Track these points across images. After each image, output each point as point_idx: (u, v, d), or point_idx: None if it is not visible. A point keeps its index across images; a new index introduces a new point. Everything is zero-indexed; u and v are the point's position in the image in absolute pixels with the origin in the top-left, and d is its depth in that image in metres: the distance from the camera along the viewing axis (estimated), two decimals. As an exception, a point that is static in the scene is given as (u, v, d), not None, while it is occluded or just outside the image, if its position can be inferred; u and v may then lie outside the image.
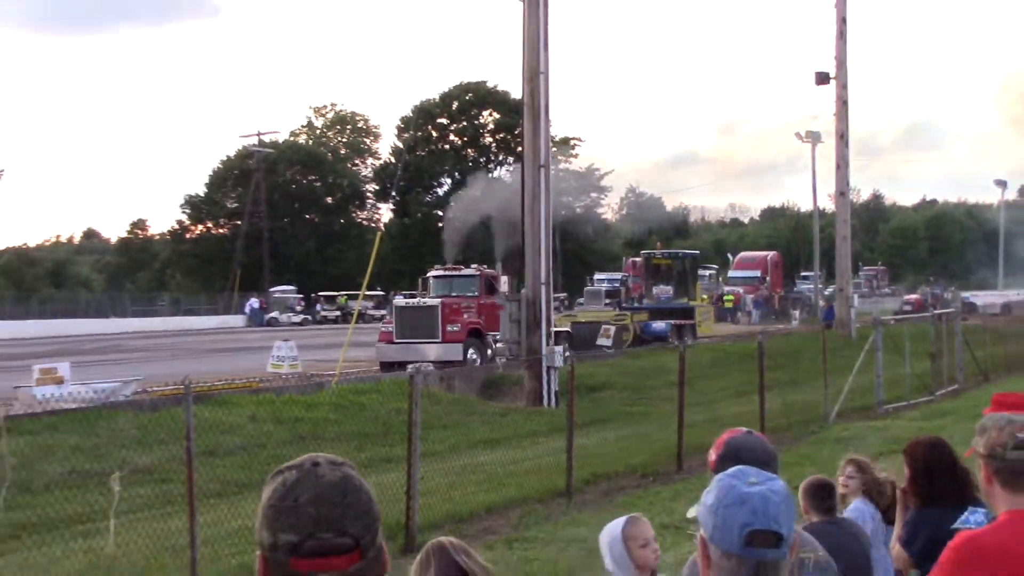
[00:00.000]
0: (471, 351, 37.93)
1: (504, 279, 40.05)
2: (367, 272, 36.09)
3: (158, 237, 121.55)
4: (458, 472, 16.55)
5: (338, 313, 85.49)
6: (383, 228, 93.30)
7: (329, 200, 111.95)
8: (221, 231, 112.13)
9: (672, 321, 48.12)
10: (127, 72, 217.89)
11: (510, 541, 13.54)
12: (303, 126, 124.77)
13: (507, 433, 22.54)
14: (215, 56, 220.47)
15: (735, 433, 4.50)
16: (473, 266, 43.95)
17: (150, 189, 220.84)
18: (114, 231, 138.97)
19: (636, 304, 55.54)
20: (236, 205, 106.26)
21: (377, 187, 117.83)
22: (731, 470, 2.92)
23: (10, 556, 12.83)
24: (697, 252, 63.28)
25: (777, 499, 2.78)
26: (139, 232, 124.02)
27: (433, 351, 36.24)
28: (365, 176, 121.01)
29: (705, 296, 63.01)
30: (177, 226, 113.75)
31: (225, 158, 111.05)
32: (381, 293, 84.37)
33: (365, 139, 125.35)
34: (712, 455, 4.36)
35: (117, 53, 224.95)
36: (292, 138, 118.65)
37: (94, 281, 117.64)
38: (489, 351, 38.51)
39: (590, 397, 20.63)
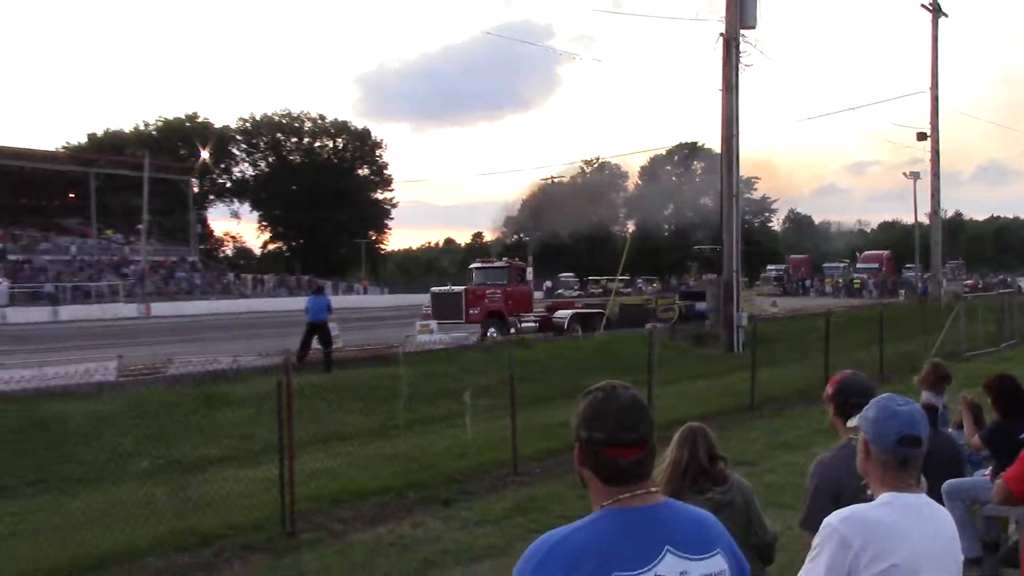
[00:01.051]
0: (492, 330, 31.13)
1: (529, 270, 35.13)
2: (620, 264, 37.24)
3: (488, 242, 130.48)
4: (679, 395, 16.78)
5: (600, 290, 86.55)
6: (628, 235, 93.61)
7: (594, 219, 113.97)
8: (526, 238, 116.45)
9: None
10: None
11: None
12: (580, 170, 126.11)
13: (710, 369, 22.70)
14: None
15: (845, 373, 4.52)
16: (504, 259, 36.87)
17: (483, 210, 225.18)
18: (463, 239, 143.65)
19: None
20: (532, 223, 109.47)
21: (626, 209, 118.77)
22: (884, 395, 3.10)
23: (408, 438, 13.62)
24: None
25: (918, 415, 2.98)
26: (478, 240, 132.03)
27: (459, 330, 30.14)
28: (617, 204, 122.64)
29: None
30: (500, 235, 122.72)
31: (528, 195, 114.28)
32: (627, 277, 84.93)
33: (618, 180, 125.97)
34: (828, 389, 4.45)
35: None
36: (570, 179, 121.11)
37: (451, 271, 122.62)
38: (512, 329, 31.60)
39: (765, 346, 20.57)
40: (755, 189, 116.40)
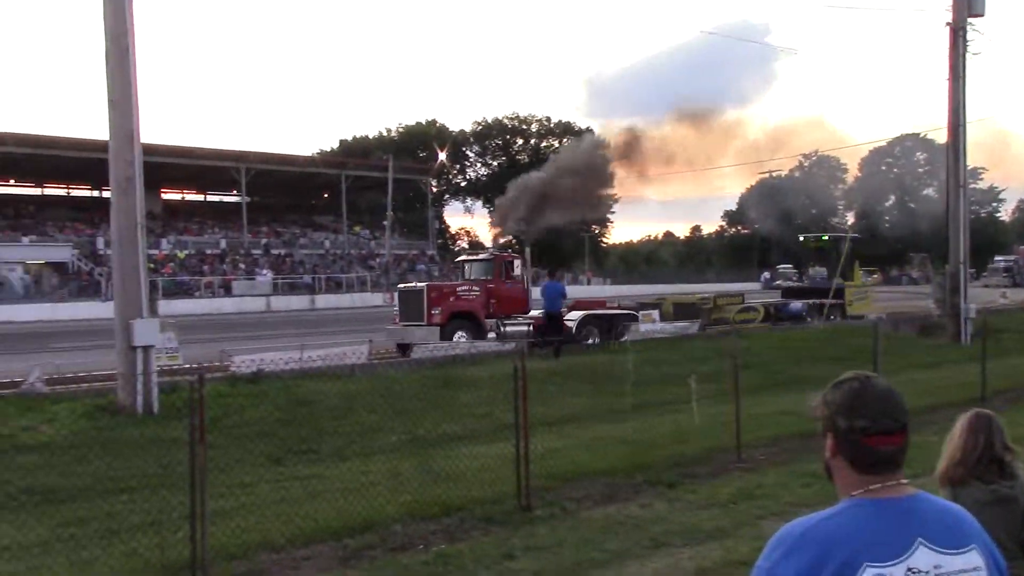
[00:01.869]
0: (460, 335, 24.52)
1: (517, 263, 26.99)
2: (841, 257, 35.58)
3: (706, 235, 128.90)
4: (905, 385, 15.90)
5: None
6: (848, 227, 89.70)
7: (814, 211, 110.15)
8: (745, 231, 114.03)
9: (817, 300, 33.09)
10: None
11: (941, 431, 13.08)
12: (798, 163, 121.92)
13: (936, 360, 21.44)
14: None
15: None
16: (491, 250, 30.75)
17: (700, 204, 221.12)
18: (682, 232, 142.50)
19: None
20: (754, 216, 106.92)
21: (845, 202, 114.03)
22: None
23: (634, 422, 13.57)
24: (855, 235, 40.63)
25: None
26: (696, 233, 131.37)
27: (419, 334, 24.47)
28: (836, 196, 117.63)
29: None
30: (720, 229, 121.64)
31: (748, 188, 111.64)
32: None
33: (837, 172, 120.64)
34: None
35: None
36: (789, 172, 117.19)
37: (670, 263, 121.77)
38: (492, 334, 25.06)
39: (994, 337, 19.17)
40: (981, 179, 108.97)
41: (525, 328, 25.18)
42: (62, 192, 74.36)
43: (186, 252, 66.86)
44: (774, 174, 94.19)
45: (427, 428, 12.92)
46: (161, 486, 9.48)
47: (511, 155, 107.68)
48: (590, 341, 25.33)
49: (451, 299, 25.28)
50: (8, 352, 25.98)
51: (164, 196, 75.74)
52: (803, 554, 2.20)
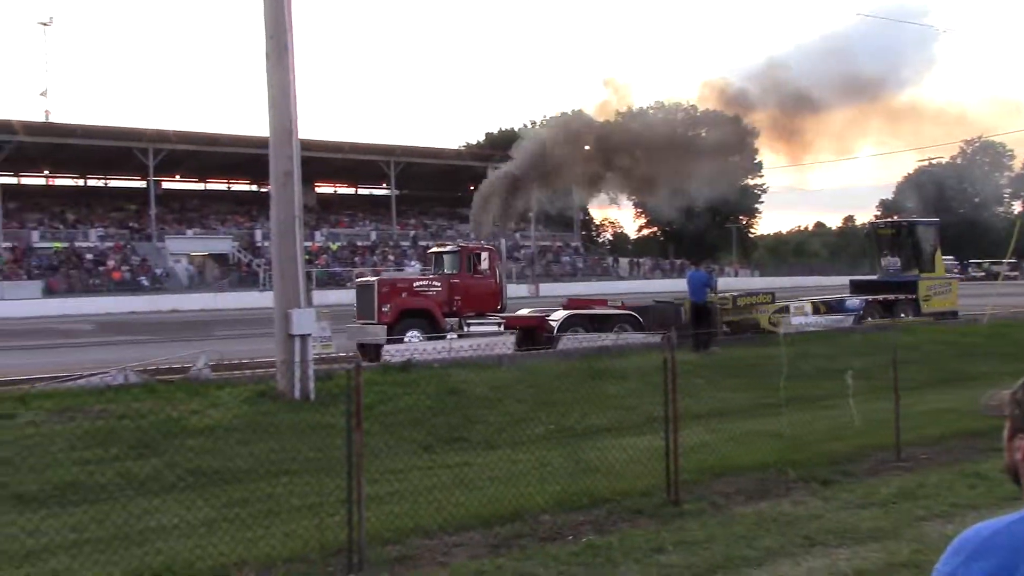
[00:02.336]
0: (412, 334, 21.82)
1: (485, 256, 23.86)
2: (1009, 246, 33.30)
3: (859, 225, 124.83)
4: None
5: (983, 274, 79.59)
6: (1017, 215, 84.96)
7: (976, 200, 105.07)
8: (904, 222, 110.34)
9: (883, 296, 28.89)
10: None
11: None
12: (960, 150, 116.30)
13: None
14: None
15: None
16: (459, 241, 28.21)
17: (854, 193, 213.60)
18: (834, 222, 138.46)
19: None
20: (911, 206, 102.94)
21: (1010, 190, 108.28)
22: None
23: (786, 417, 13.23)
24: (935, 220, 34.28)
25: None
26: (849, 223, 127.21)
27: (371, 332, 21.82)
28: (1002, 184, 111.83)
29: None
30: (875, 219, 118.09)
31: (905, 177, 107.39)
32: (1014, 260, 77.30)
33: (1002, 159, 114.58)
34: None
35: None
36: (951, 159, 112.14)
37: (821, 254, 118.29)
38: (453, 334, 22.09)
39: None
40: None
41: (494, 328, 22.47)
42: (223, 187, 77.89)
43: (338, 244, 69.05)
44: (933, 161, 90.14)
45: (574, 419, 12.95)
46: (319, 470, 9.82)
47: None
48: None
49: (403, 295, 22.53)
50: (175, 340, 27.38)
51: (318, 190, 78.36)
52: (989, 559, 2.08)
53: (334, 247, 68.30)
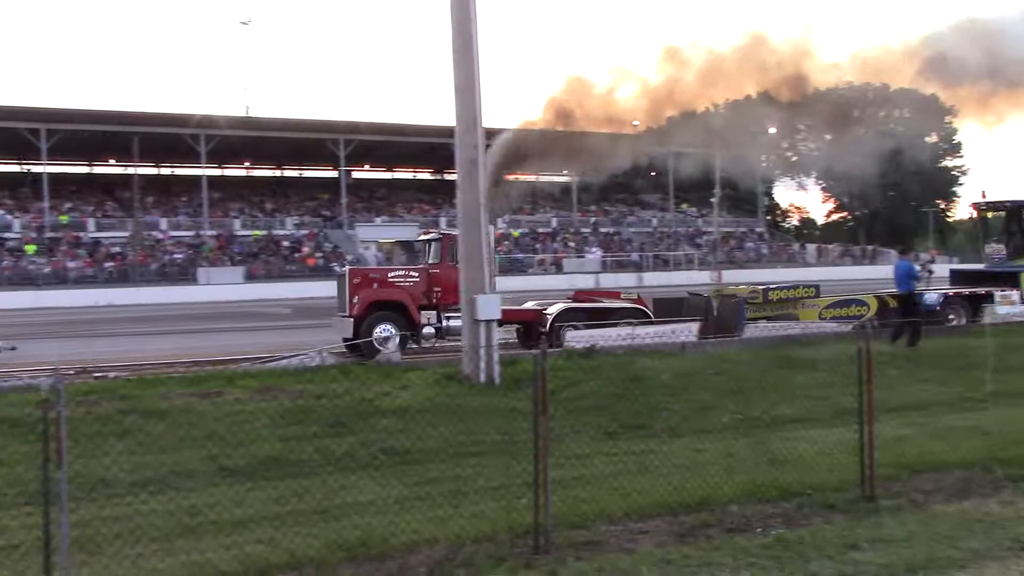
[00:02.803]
0: (384, 328, 20.19)
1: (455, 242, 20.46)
2: None
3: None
4: None
5: None
6: None
7: None
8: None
9: (978, 289, 24.54)
10: None
11: None
12: None
13: None
14: None
15: None
16: (439, 229, 25.63)
17: None
18: None
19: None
20: None
21: None
22: None
23: (993, 411, 12.50)
24: None
25: None
26: None
27: (341, 326, 20.72)
28: None
29: None
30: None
31: None
32: None
33: None
34: None
35: None
36: None
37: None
38: (430, 328, 20.68)
39: None
40: None
41: None
42: (409, 175, 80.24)
43: (520, 231, 69.88)
44: None
45: (761, 409, 12.65)
46: (504, 453, 10.00)
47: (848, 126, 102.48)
48: (569, 344, 19.58)
49: (373, 286, 21.11)
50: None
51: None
52: None
53: (516, 234, 69.20)
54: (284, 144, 65.04)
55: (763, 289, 22.78)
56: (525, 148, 22.47)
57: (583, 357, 16.41)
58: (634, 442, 11.38)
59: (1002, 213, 27.41)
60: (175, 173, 71.59)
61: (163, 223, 61.89)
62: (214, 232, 61.94)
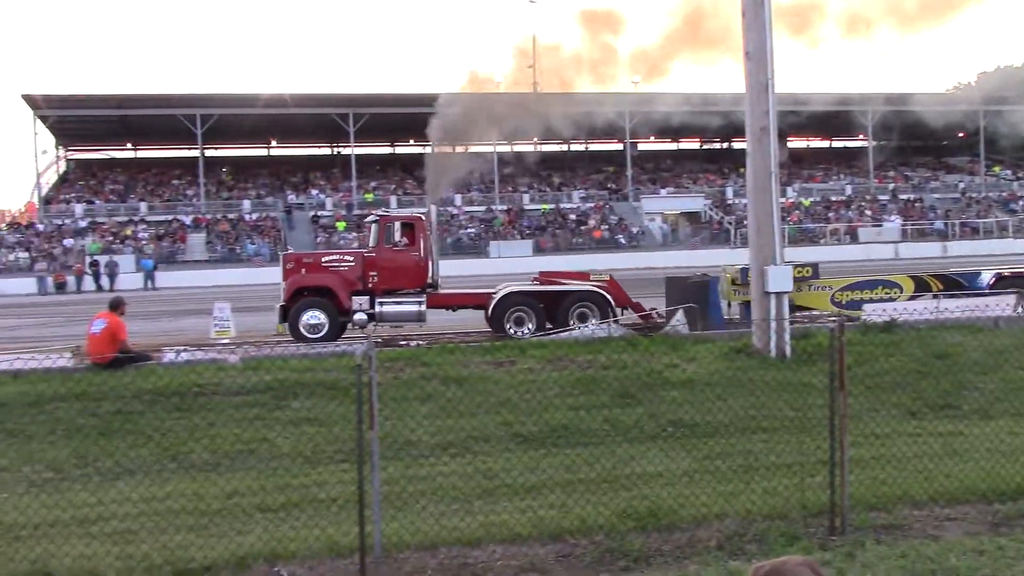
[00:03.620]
0: (311, 314, 19.40)
1: (408, 226, 20.54)
2: None
3: None
4: None
5: None
6: None
7: None
8: None
9: None
10: None
11: None
12: None
13: None
14: None
15: None
16: (381, 210, 22.83)
17: None
18: None
19: None
20: None
21: None
22: None
23: None
24: None
25: None
26: None
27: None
28: None
29: None
30: None
31: None
32: None
33: None
34: None
35: None
36: None
37: None
38: (359, 315, 19.50)
39: None
40: None
41: (413, 308, 19.82)
42: (695, 146, 79.16)
43: (811, 199, 67.15)
44: None
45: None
46: (797, 429, 9.71)
47: None
48: (513, 331, 18.96)
49: (301, 271, 20.34)
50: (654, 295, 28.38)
51: (789, 144, 76.71)
52: None
53: (807, 203, 66.56)
54: (571, 119, 66.11)
55: (740, 269, 19.17)
56: None
57: (883, 332, 15.56)
58: (939, 423, 10.68)
59: None
60: (469, 150, 74.69)
61: (457, 199, 64.87)
62: (504, 207, 64.18)
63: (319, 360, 13.76)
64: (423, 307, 19.79)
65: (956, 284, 20.04)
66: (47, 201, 61.71)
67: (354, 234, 58.35)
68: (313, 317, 19.50)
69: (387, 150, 74.95)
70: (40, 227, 58.17)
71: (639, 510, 7.70)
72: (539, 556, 6.95)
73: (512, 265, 50.46)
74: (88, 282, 48.53)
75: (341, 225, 59.42)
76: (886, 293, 19.71)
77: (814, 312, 19.63)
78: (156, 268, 49.82)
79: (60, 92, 59.57)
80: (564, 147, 77.89)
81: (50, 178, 65.68)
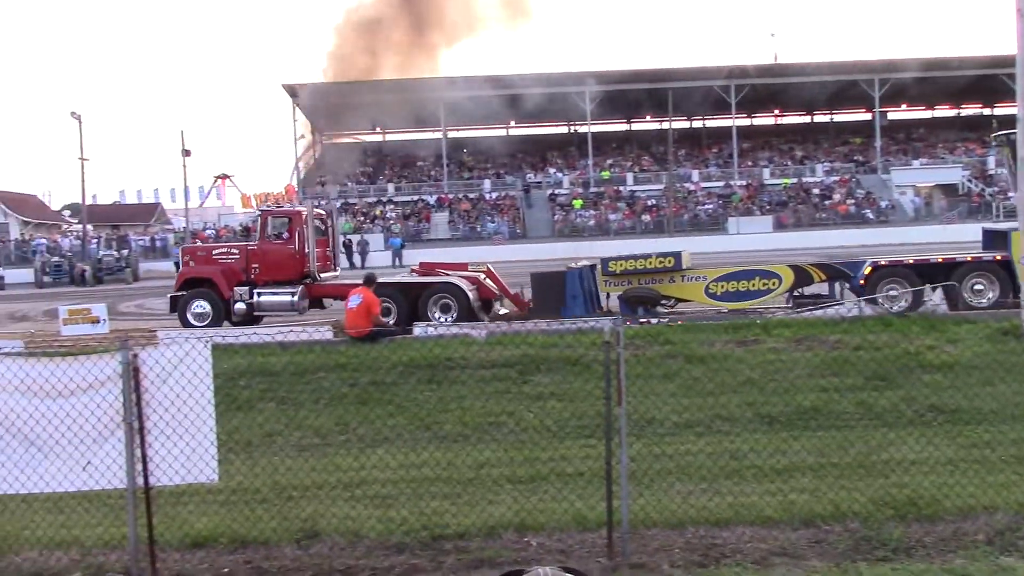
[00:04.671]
0: (197, 303, 20.26)
1: (276, 221, 21.11)
2: None
3: None
4: None
5: None
6: None
7: None
8: None
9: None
10: None
11: None
12: None
13: None
14: None
15: None
16: (267, 204, 24.34)
17: None
18: None
19: None
20: None
21: None
22: None
23: None
24: None
25: None
26: None
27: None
28: None
29: None
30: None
31: None
32: None
33: None
34: None
35: None
36: None
37: None
38: (242, 304, 20.01)
39: None
40: None
41: (287, 298, 20.17)
42: (951, 113, 74.08)
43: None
44: None
45: None
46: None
47: None
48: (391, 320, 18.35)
49: (188, 263, 21.92)
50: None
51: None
52: None
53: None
54: (814, 89, 63.44)
55: (603, 259, 19.52)
56: None
57: None
58: None
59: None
60: (706, 125, 73.37)
61: (695, 175, 63.89)
62: (743, 182, 62.62)
63: (561, 336, 13.96)
64: (296, 297, 20.37)
65: (840, 274, 18.75)
66: (304, 184, 65.97)
67: (591, 212, 58.74)
68: (199, 306, 20.59)
69: (623, 127, 74.85)
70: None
71: (897, 498, 7.35)
72: (790, 541, 6.77)
73: (751, 242, 49.19)
74: (341, 260, 51.38)
75: (578, 203, 59.97)
76: (764, 284, 18.75)
77: None
78: (403, 246, 52.15)
79: (315, 81, 63.36)
80: (807, 118, 74.99)
81: (307, 162, 70.19)
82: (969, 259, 17.93)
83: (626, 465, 6.80)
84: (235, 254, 21.55)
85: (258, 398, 11.51)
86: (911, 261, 18.33)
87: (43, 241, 55.41)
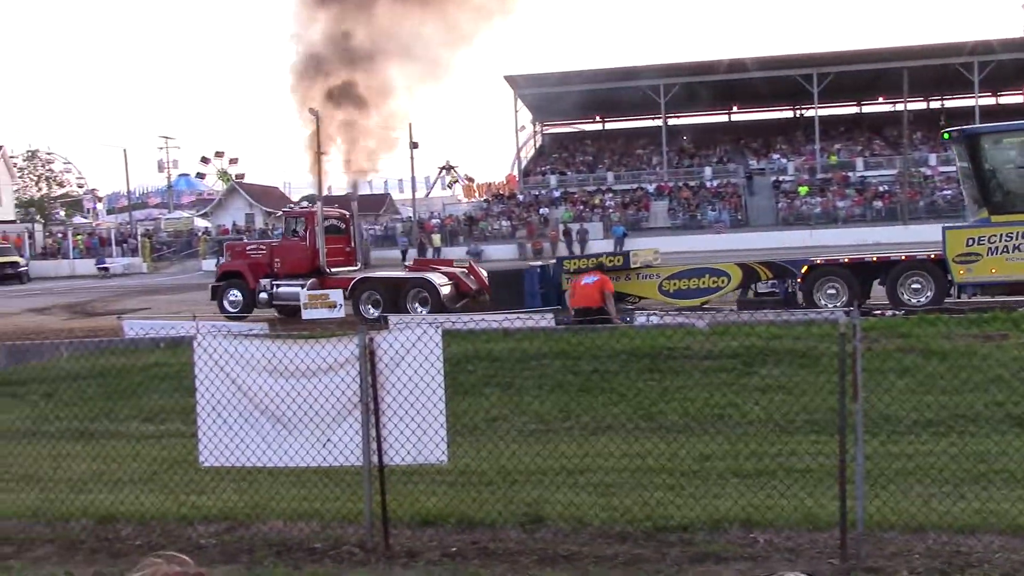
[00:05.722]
0: (232, 293, 23.19)
1: (295, 220, 24.52)
2: None
3: None
4: None
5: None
6: None
7: None
8: None
9: None
10: None
11: None
12: None
13: None
14: None
15: None
16: (290, 206, 28.86)
17: None
18: None
19: None
20: None
21: None
22: None
23: None
24: None
25: None
26: None
27: None
28: None
29: None
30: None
31: None
32: None
33: None
34: None
35: None
36: None
37: None
38: (265, 294, 22.74)
39: None
40: None
41: (295, 290, 22.55)
42: None
43: None
44: None
45: None
46: None
47: None
48: (371, 313, 21.42)
49: (228, 257, 24.94)
50: None
51: None
52: None
53: None
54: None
55: (558, 259, 21.78)
56: None
57: None
58: None
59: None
60: (944, 106, 68.93)
61: (932, 159, 60.18)
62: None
63: (787, 328, 13.50)
64: (305, 287, 22.69)
65: (786, 272, 19.10)
66: (526, 173, 66.98)
67: (818, 199, 56.52)
68: (233, 295, 23.28)
69: (852, 110, 71.54)
70: (520, 197, 63.32)
71: None
72: (1046, 553, 6.24)
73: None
74: (562, 248, 51.86)
75: (803, 190, 57.83)
76: (713, 282, 19.40)
77: None
78: (626, 235, 51.95)
79: (536, 71, 64.09)
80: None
81: (528, 151, 71.23)
82: (903, 258, 18.25)
83: (862, 464, 6.47)
84: (263, 250, 24.31)
85: (483, 383, 11.78)
86: (847, 260, 18.95)
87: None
